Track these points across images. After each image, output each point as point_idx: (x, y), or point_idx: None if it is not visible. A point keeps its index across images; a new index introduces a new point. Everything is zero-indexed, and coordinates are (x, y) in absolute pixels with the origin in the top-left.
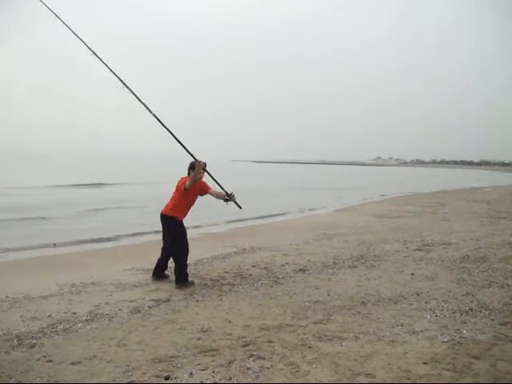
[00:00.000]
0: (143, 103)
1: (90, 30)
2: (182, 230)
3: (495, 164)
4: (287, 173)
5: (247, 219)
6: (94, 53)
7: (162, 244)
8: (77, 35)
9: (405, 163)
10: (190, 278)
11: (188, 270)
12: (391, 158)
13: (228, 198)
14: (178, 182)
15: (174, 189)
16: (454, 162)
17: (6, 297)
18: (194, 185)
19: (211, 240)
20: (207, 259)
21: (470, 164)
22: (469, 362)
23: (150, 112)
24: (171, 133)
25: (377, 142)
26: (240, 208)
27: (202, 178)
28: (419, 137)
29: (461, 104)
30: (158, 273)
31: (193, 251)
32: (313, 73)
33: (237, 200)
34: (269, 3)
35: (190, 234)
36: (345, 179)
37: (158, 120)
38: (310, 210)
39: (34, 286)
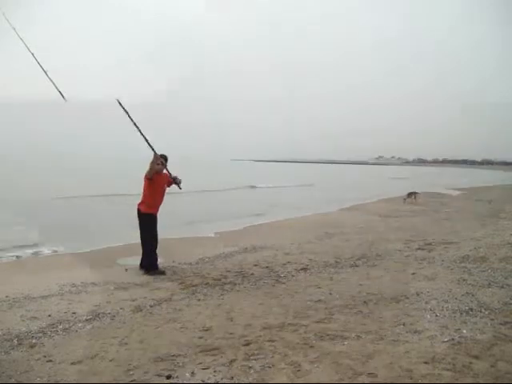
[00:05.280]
0: None
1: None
2: (144, 222)
3: (497, 163)
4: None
5: (247, 218)
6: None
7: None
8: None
9: (407, 162)
10: (162, 269)
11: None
12: (393, 156)
13: (176, 182)
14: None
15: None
16: (456, 162)
17: (6, 297)
18: (156, 175)
19: (213, 239)
20: (209, 258)
21: (472, 163)
22: (469, 361)
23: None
24: (137, 126)
25: (378, 141)
26: (180, 189)
27: (161, 169)
28: (420, 136)
29: (462, 103)
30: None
31: (194, 250)
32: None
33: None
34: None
35: (189, 234)
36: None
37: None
38: (311, 209)
39: (34, 286)
